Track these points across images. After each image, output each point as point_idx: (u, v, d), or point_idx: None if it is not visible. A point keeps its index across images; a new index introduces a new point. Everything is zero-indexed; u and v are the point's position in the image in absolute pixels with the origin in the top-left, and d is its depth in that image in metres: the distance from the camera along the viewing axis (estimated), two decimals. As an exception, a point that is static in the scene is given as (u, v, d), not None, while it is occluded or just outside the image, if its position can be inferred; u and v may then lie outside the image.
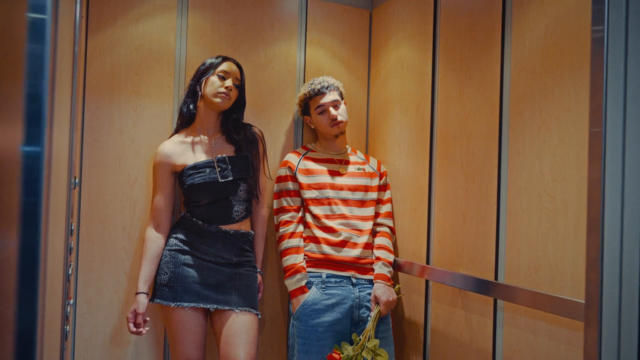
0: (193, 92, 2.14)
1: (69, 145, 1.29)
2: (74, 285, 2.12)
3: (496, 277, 1.73)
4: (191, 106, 2.13)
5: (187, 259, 2.04)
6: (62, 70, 0.99)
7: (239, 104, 2.19)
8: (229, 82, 2.11)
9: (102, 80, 2.19)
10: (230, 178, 2.10)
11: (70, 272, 1.55)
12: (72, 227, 1.73)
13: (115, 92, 2.21)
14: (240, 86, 2.16)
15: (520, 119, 1.66)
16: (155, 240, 2.06)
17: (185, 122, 2.16)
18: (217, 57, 2.15)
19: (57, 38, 0.85)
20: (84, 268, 2.15)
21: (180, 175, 2.10)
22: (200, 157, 2.10)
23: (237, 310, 2.05)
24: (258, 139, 2.24)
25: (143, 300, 1.99)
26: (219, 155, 2.12)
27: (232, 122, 2.18)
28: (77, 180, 1.96)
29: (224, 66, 2.12)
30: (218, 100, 2.09)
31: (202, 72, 2.12)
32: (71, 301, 1.78)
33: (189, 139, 2.14)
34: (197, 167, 2.08)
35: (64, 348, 1.38)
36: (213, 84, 2.10)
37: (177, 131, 2.17)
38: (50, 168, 0.83)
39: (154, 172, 2.11)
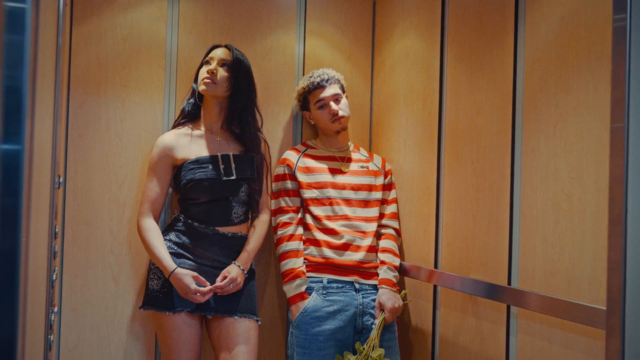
0: (192, 90, 2.17)
1: (52, 142, 1.28)
2: (59, 291, 2.11)
3: (509, 282, 1.72)
4: (192, 101, 2.14)
5: (182, 262, 2.03)
6: (44, 62, 0.98)
7: (237, 90, 2.11)
8: (212, 65, 2.08)
9: (87, 73, 2.18)
10: (233, 177, 2.08)
11: (54, 278, 1.54)
12: (56, 230, 1.71)
13: (102, 86, 2.20)
14: (230, 65, 2.09)
15: (534, 113, 1.65)
16: (157, 228, 2.05)
17: (187, 118, 2.16)
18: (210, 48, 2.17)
19: (38, 28, 0.84)
20: (69, 273, 2.14)
21: (179, 169, 2.08)
22: (204, 152, 2.09)
23: (236, 317, 2.04)
24: (262, 156, 2.19)
25: (184, 270, 1.97)
26: (223, 153, 2.10)
27: (235, 114, 2.13)
28: (61, 180, 1.94)
29: (211, 53, 2.13)
30: (202, 87, 2.08)
31: (198, 68, 2.16)
32: (55, 309, 1.77)
33: (193, 132, 2.13)
34: (199, 162, 2.06)
35: (48, 359, 1.37)
36: (200, 74, 2.11)
37: (176, 126, 2.16)
38: (31, 166, 0.82)
39: (152, 163, 2.08)
